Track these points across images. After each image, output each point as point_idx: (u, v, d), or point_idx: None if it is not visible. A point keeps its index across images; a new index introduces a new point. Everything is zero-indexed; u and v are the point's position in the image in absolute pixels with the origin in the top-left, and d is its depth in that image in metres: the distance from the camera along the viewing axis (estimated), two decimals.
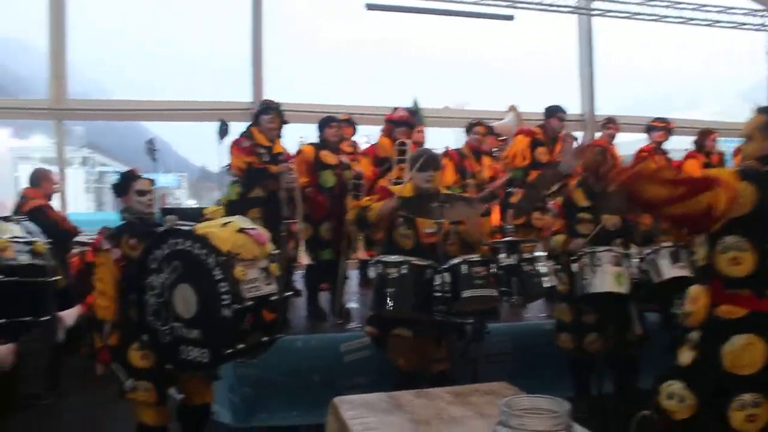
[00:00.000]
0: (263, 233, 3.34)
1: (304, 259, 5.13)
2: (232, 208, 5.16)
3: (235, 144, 5.26)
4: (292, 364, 4.78)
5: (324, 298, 5.82)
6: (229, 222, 3.32)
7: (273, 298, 3.28)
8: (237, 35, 10.10)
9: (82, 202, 11.57)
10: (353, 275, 6.76)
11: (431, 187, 4.11)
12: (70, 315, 5.86)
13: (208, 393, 3.79)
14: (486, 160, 6.37)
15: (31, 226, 4.13)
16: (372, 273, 3.95)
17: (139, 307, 3.38)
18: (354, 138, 6.93)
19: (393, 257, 3.85)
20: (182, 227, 3.27)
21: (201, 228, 3.23)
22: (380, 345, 4.27)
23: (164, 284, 3.24)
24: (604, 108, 11.22)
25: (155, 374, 3.45)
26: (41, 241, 4.04)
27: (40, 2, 9.31)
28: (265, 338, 3.34)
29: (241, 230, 3.25)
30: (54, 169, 9.24)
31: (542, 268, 4.22)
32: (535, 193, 5.21)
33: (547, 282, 4.19)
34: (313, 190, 5.46)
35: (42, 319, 4.06)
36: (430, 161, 4.21)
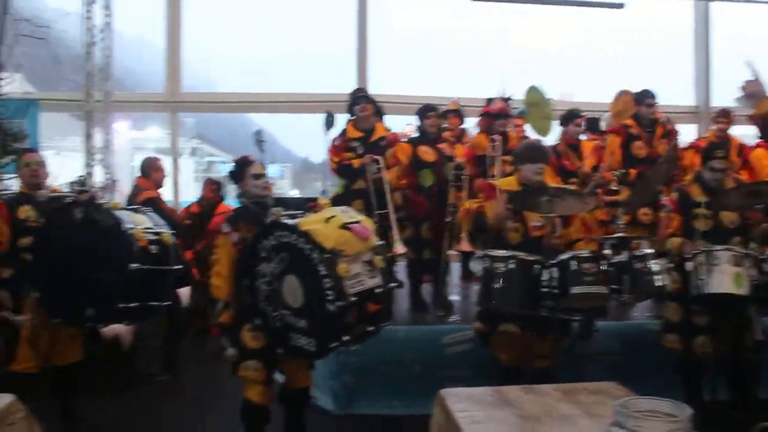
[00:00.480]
0: (367, 227, 3.34)
1: (400, 248, 5.14)
2: (337, 201, 5.33)
3: (332, 143, 5.46)
4: (394, 354, 4.82)
5: (426, 290, 5.83)
6: (333, 217, 3.33)
7: (377, 290, 3.30)
8: (342, 28, 10.22)
9: (192, 191, 12.07)
10: (455, 268, 6.72)
11: (539, 180, 4.03)
12: (183, 295, 6.21)
13: (308, 378, 3.88)
14: (586, 148, 6.03)
15: (155, 216, 4.36)
16: (478, 267, 3.91)
17: (251, 292, 3.48)
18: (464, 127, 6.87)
19: (500, 252, 3.80)
20: (287, 221, 3.34)
21: (305, 223, 3.27)
22: (485, 340, 4.23)
23: (273, 273, 3.33)
24: (721, 100, 10.60)
25: (265, 355, 3.57)
26: (167, 232, 4.24)
27: (158, 2, 9.81)
28: (371, 328, 3.37)
29: (344, 226, 3.26)
30: (168, 158, 9.74)
31: (654, 265, 4.02)
32: (647, 189, 4.99)
33: (659, 280, 3.99)
34: (411, 190, 5.47)
35: (165, 303, 4.23)
36: (539, 153, 4.13)
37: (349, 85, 9.73)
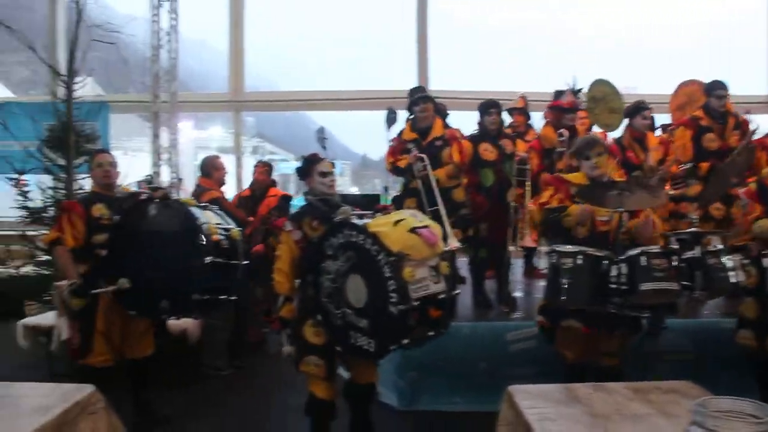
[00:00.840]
0: (435, 233, 3.32)
1: (453, 243, 5.11)
2: (396, 200, 5.43)
3: (390, 144, 5.52)
4: (458, 350, 4.81)
5: (488, 286, 5.79)
6: (402, 220, 3.32)
7: (441, 296, 3.30)
8: (402, 23, 10.24)
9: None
10: (518, 264, 6.67)
11: (600, 174, 3.96)
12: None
13: (374, 373, 3.89)
14: (652, 141, 5.77)
15: (222, 214, 4.48)
16: (544, 263, 3.86)
17: (315, 288, 3.52)
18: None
19: (568, 247, 3.74)
20: (356, 222, 3.36)
21: (374, 225, 3.28)
22: (549, 336, 4.18)
23: (338, 271, 3.36)
24: None
25: (326, 351, 3.60)
26: (235, 228, 4.37)
27: (221, 6, 10.05)
28: (431, 333, 3.38)
29: (413, 230, 3.25)
30: (230, 157, 9.94)
31: (728, 261, 3.89)
32: (722, 183, 4.82)
33: (733, 276, 3.86)
34: (472, 189, 5.45)
35: (232, 297, 4.33)
36: (587, 145, 4.05)
37: (409, 81, 9.79)
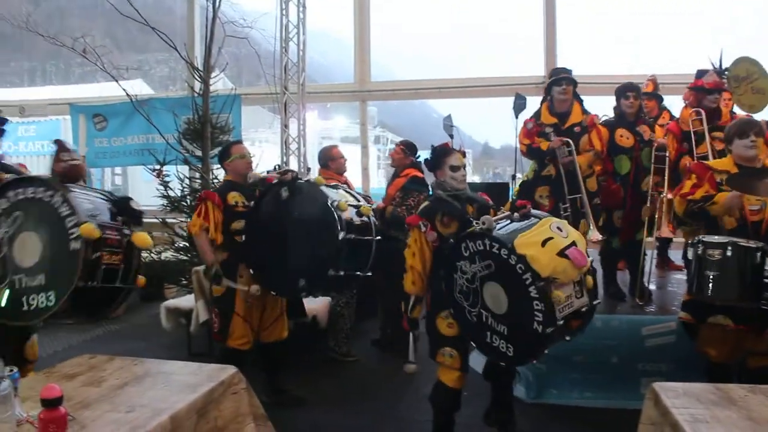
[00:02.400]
0: (583, 254, 3.18)
1: (596, 235, 4.92)
2: (526, 187, 5.26)
3: (523, 126, 5.32)
4: (589, 343, 4.62)
5: (620, 278, 5.57)
6: (549, 239, 3.17)
7: (583, 309, 3.24)
8: (529, 8, 9.98)
9: (374, 178, 12.50)
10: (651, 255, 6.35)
11: (754, 156, 3.69)
12: None
13: None
14: None
15: (353, 192, 4.56)
16: (690, 254, 3.64)
17: (447, 283, 3.49)
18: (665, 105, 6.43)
19: (716, 237, 3.51)
20: (501, 236, 3.23)
21: (522, 246, 3.13)
22: (691, 333, 3.95)
23: (475, 275, 3.32)
24: None
25: (460, 342, 3.58)
26: (365, 204, 4.41)
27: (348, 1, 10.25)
28: (567, 338, 3.28)
29: (562, 252, 3.12)
30: (355, 147, 10.10)
31: None
32: None
33: None
34: (606, 178, 5.24)
35: (366, 274, 4.34)
36: (746, 124, 3.77)
37: (535, 67, 9.56)
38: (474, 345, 3.48)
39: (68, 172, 3.28)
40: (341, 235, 3.96)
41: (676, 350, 4.55)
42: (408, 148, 6.02)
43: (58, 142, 3.40)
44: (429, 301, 3.73)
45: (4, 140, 3.82)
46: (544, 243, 3.13)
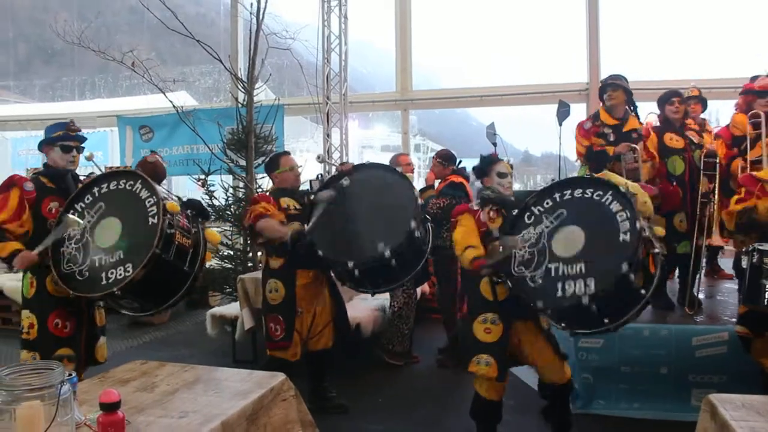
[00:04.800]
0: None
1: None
2: None
3: (579, 127, 5.21)
4: (637, 353, 4.58)
5: (668, 287, 5.47)
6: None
7: (656, 251, 3.19)
8: (572, 14, 9.92)
9: (417, 186, 12.53)
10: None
11: None
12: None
13: (562, 370, 3.74)
14: None
15: None
16: (743, 263, 3.55)
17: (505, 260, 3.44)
18: (703, 115, 6.29)
19: None
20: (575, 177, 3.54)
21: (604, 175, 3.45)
22: (746, 344, 3.85)
23: (542, 233, 3.38)
24: None
25: (497, 348, 3.55)
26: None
27: (388, 9, 10.31)
28: (642, 292, 3.12)
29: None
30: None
31: None
32: None
33: None
34: (661, 180, 5.12)
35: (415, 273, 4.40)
36: None
37: (579, 74, 9.47)
38: (541, 309, 3.31)
39: (156, 169, 3.77)
40: (416, 192, 4.19)
41: (729, 361, 4.44)
42: (444, 159, 6.05)
43: (151, 152, 3.96)
44: (466, 306, 3.73)
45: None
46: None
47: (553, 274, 3.24)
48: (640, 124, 5.09)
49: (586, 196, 3.30)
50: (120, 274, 3.32)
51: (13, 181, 3.72)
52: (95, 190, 3.65)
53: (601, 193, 3.25)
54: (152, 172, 3.71)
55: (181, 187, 12.50)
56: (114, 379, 2.93)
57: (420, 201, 4.24)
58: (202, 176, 8.29)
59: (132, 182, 3.57)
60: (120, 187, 3.60)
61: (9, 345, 7.05)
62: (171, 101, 8.33)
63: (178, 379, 2.92)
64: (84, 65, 14.17)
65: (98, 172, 3.89)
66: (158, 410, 2.48)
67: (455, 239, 3.68)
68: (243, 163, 8.26)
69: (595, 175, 3.40)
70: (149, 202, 3.43)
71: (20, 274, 3.96)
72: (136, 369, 3.09)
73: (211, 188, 8.29)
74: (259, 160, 8.07)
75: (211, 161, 8.36)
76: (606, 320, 3.13)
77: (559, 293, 3.18)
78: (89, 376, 3.06)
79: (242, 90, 8.22)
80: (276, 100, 8.87)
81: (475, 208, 3.70)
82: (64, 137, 3.86)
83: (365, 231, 4.19)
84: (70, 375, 2.07)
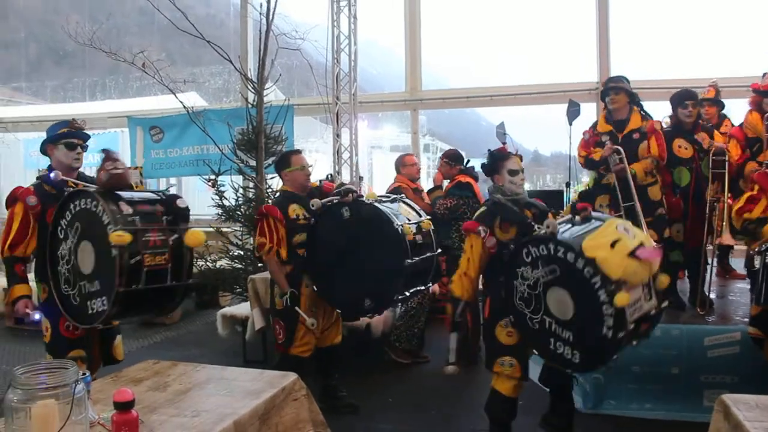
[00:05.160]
0: (653, 251, 3.06)
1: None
2: (586, 195, 5.22)
3: (582, 137, 5.28)
4: (649, 353, 4.54)
5: (679, 286, 5.46)
6: (618, 241, 3.04)
7: (652, 312, 3.16)
8: (582, 13, 9.90)
9: (426, 186, 12.52)
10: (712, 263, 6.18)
11: None
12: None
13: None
14: None
15: (411, 203, 4.62)
16: (756, 262, 3.53)
17: (507, 290, 3.43)
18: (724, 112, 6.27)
19: None
20: (568, 240, 3.17)
21: (590, 249, 3.03)
22: (760, 344, 3.82)
23: (538, 280, 3.26)
24: None
25: (520, 351, 3.54)
26: (425, 219, 4.48)
27: (397, 7, 10.30)
28: (635, 342, 3.22)
29: (632, 255, 2.99)
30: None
31: None
32: None
33: None
34: (666, 190, 5.13)
35: (427, 287, 4.50)
36: None
37: (588, 73, 9.44)
38: (536, 352, 3.44)
39: (110, 180, 3.31)
40: (408, 263, 4.03)
41: (741, 362, 4.43)
42: (451, 159, 6.05)
43: (105, 152, 3.48)
44: (488, 310, 3.69)
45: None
46: (613, 245, 3.02)
47: (547, 326, 3.26)
48: (644, 121, 5.05)
49: (578, 266, 3.07)
50: (99, 307, 3.20)
51: (15, 197, 3.67)
52: (71, 206, 3.41)
53: (590, 272, 3.01)
54: (115, 184, 3.37)
55: (191, 187, 12.56)
56: (127, 378, 2.96)
57: (409, 262, 4.11)
58: (213, 176, 8.30)
59: (95, 202, 3.26)
60: (87, 207, 3.32)
61: (22, 345, 7.12)
62: (181, 102, 8.36)
63: (191, 378, 2.94)
64: (95, 66, 14.25)
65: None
66: (171, 409, 2.50)
67: (464, 258, 3.69)
68: (253, 163, 8.28)
69: (588, 255, 3.05)
70: (109, 230, 3.12)
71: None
72: (148, 368, 3.11)
73: (222, 188, 8.31)
74: (269, 161, 8.08)
75: (221, 161, 8.37)
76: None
77: (552, 347, 3.26)
78: (101, 376, 3.07)
79: (252, 90, 8.24)
80: (286, 100, 8.88)
81: (488, 244, 3.56)
82: (67, 134, 3.78)
83: (357, 278, 4.25)
84: (83, 374, 2.09)
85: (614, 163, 4.94)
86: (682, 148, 5.11)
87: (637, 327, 3.08)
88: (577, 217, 3.38)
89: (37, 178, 3.77)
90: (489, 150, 3.85)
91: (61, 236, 3.42)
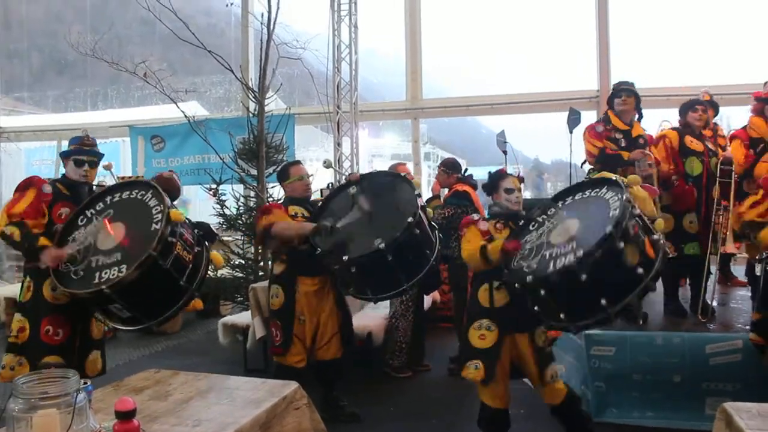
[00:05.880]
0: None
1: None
2: None
3: (589, 129, 5.21)
4: (650, 361, 4.54)
5: (680, 294, 5.43)
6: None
7: (655, 237, 3.16)
8: (582, 22, 9.94)
9: (426, 194, 12.55)
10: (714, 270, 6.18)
11: None
12: (427, 298, 6.40)
13: (559, 389, 3.74)
14: None
15: None
16: (757, 270, 3.53)
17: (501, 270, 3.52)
18: (715, 120, 6.28)
19: None
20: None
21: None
22: (763, 352, 3.82)
23: (543, 231, 3.45)
24: None
25: (489, 354, 3.57)
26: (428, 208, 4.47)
27: (398, 16, 10.36)
28: (640, 271, 3.03)
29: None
30: (408, 165, 10.13)
31: None
32: None
33: None
34: (678, 178, 5.12)
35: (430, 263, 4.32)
36: None
37: (588, 82, 9.47)
38: (531, 284, 3.25)
39: (165, 182, 3.72)
40: (420, 200, 4.16)
41: (743, 369, 4.41)
42: (448, 167, 6.04)
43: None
44: (467, 313, 3.76)
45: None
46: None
47: (547, 257, 3.26)
48: (643, 130, 5.11)
49: (584, 196, 3.44)
50: (113, 274, 3.30)
51: (31, 182, 3.77)
52: (108, 198, 3.69)
53: (597, 189, 3.37)
54: (166, 186, 3.69)
55: (193, 196, 12.56)
56: (128, 387, 2.96)
57: (421, 202, 4.23)
58: (214, 186, 8.31)
59: (144, 192, 3.62)
60: (132, 196, 3.65)
61: None
62: (183, 111, 8.39)
63: (192, 387, 2.94)
64: (96, 76, 14.29)
65: (111, 182, 3.94)
66: (172, 419, 2.50)
67: (465, 248, 3.70)
68: (254, 172, 8.29)
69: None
70: (156, 210, 3.47)
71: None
72: (149, 378, 3.11)
73: (223, 197, 8.32)
74: (270, 170, 8.10)
75: (223, 171, 8.38)
76: (603, 301, 3.00)
77: (550, 269, 3.16)
78: (102, 385, 3.07)
79: (253, 100, 8.26)
80: (287, 109, 8.91)
81: (482, 227, 3.69)
82: (76, 151, 3.92)
83: (365, 232, 4.18)
84: (85, 383, 2.09)
85: (643, 168, 4.89)
86: (693, 142, 5.15)
87: (641, 238, 3.10)
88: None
89: (51, 180, 3.92)
90: (489, 171, 4.00)
91: (82, 223, 3.64)
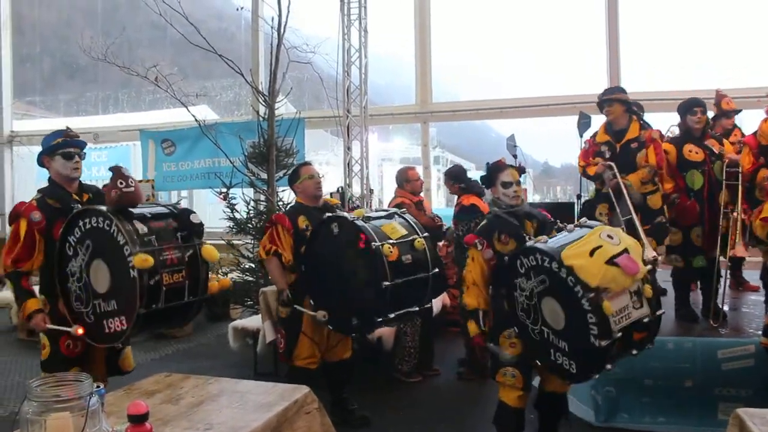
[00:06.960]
0: (635, 261, 3.05)
1: (649, 253, 4.77)
2: (588, 205, 5.22)
3: (582, 147, 5.34)
4: (661, 366, 4.53)
5: (692, 299, 5.42)
6: (598, 248, 3.08)
7: (645, 320, 3.14)
8: (592, 25, 9.92)
9: (435, 198, 12.52)
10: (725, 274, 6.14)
11: None
12: (436, 302, 6.37)
13: (564, 384, 3.75)
14: None
15: (409, 219, 4.47)
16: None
17: (509, 300, 3.47)
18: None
19: None
20: (546, 248, 3.20)
21: (569, 257, 3.06)
22: None
23: (533, 291, 3.28)
24: None
25: (523, 362, 3.54)
26: (420, 237, 4.30)
27: (407, 20, 10.36)
28: (635, 352, 3.21)
29: (611, 261, 3.01)
30: (418, 168, 10.14)
31: None
32: None
33: None
34: (678, 196, 5.12)
35: (424, 307, 4.41)
36: None
37: (599, 85, 9.43)
38: (540, 363, 3.44)
39: (123, 199, 3.25)
40: (385, 284, 3.94)
41: (756, 375, 4.39)
42: (451, 177, 6.03)
43: (114, 169, 3.38)
44: (491, 321, 3.70)
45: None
46: (592, 252, 3.05)
47: (546, 336, 3.27)
48: (642, 131, 5.07)
49: (561, 275, 3.08)
50: (117, 327, 3.22)
51: (18, 213, 3.55)
52: (81, 223, 3.35)
53: (572, 280, 3.03)
54: (121, 203, 3.28)
55: (203, 200, 12.61)
56: (140, 391, 2.97)
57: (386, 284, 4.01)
58: (224, 189, 8.33)
59: (107, 222, 3.22)
60: (99, 225, 3.27)
61: (35, 357, 7.13)
62: (193, 115, 8.41)
63: (203, 391, 2.95)
64: (107, 80, 14.38)
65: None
66: (184, 422, 2.51)
67: (468, 270, 3.68)
68: (264, 176, 8.30)
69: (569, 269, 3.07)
70: (126, 250, 3.11)
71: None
72: (161, 381, 3.12)
73: (233, 201, 8.34)
74: (281, 173, 8.11)
75: (233, 174, 8.39)
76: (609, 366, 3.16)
77: (552, 357, 3.28)
78: (113, 388, 3.08)
79: (263, 104, 8.27)
80: (297, 113, 8.93)
81: (486, 256, 3.60)
82: (63, 144, 3.62)
83: (345, 295, 4.23)
84: (98, 387, 2.10)
85: (609, 179, 4.96)
86: (692, 152, 5.12)
87: (628, 336, 3.07)
88: (570, 226, 3.41)
89: (39, 191, 3.66)
90: (487, 163, 3.90)
91: (70, 253, 3.39)
